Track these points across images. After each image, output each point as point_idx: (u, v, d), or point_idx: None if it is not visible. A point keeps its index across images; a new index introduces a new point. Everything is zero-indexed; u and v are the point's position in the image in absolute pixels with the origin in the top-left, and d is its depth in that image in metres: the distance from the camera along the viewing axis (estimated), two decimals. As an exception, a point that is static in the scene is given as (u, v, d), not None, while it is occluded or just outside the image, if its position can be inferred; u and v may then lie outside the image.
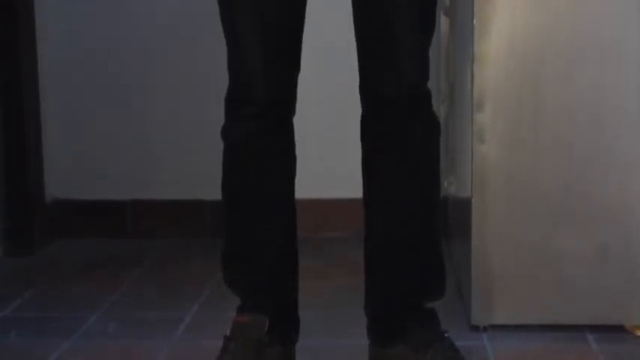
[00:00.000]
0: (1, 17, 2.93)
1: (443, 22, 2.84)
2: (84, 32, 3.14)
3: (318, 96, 2.97)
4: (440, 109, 2.82)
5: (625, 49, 2.16)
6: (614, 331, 2.24)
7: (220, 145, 1.90)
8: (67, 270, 2.88)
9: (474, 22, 2.17)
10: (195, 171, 3.11)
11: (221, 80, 1.90)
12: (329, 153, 3.10)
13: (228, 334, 1.90)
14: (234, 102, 1.86)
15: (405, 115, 1.82)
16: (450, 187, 2.76)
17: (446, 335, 1.91)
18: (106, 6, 3.12)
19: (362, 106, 1.86)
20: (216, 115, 1.92)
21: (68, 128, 3.17)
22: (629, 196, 2.21)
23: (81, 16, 3.13)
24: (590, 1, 2.15)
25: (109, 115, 3.17)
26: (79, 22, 3.14)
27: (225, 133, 1.88)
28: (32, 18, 3.02)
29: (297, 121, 1.90)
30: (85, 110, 3.18)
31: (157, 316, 2.44)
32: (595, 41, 2.17)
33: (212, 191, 2.04)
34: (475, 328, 2.27)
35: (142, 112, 3.16)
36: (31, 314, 2.49)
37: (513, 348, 2.18)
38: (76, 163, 3.19)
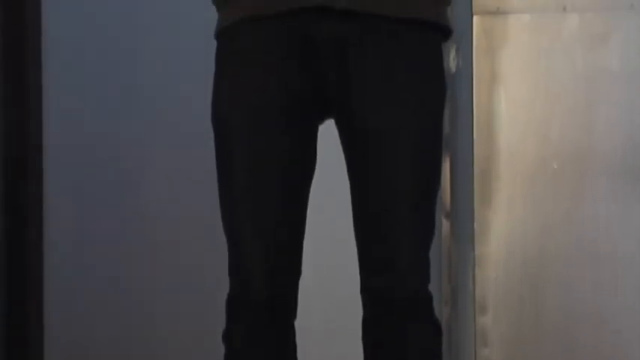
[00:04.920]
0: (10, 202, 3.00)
1: (444, 225, 2.88)
2: (86, 229, 3.19)
3: (320, 299, 2.98)
4: (442, 311, 2.82)
5: (621, 251, 2.19)
6: None
7: (222, 349, 1.90)
8: None
9: (475, 225, 2.21)
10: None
11: (223, 283, 1.91)
12: (331, 355, 3.07)
13: None
14: (233, 304, 1.87)
15: (405, 319, 1.82)
16: (454, 390, 2.73)
17: None
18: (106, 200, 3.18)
19: (363, 308, 1.87)
20: (219, 318, 1.92)
21: (70, 328, 3.17)
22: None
23: (82, 206, 3.19)
24: (586, 206, 2.20)
25: (110, 316, 3.17)
26: (82, 217, 3.19)
27: (226, 336, 1.88)
28: (40, 210, 3.08)
29: (298, 323, 1.91)
30: (85, 309, 3.18)
31: None
32: (592, 243, 2.20)
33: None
34: None
35: (142, 315, 3.16)
36: None
37: None
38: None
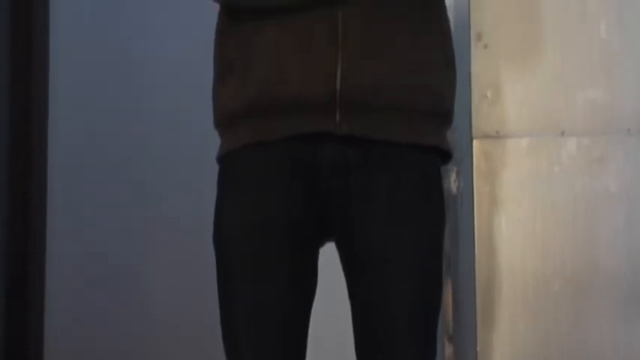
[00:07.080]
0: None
1: (447, 348, 2.87)
2: (86, 317, 3.19)
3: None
4: None
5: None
6: None
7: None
8: None
9: (478, 349, 2.20)
10: None
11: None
12: None
13: None
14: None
15: None
16: None
17: None
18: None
19: None
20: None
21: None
22: None
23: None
24: (589, 327, 2.20)
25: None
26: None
27: None
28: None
29: None
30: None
31: None
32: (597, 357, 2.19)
33: None
34: None
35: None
36: None
37: None
38: None
